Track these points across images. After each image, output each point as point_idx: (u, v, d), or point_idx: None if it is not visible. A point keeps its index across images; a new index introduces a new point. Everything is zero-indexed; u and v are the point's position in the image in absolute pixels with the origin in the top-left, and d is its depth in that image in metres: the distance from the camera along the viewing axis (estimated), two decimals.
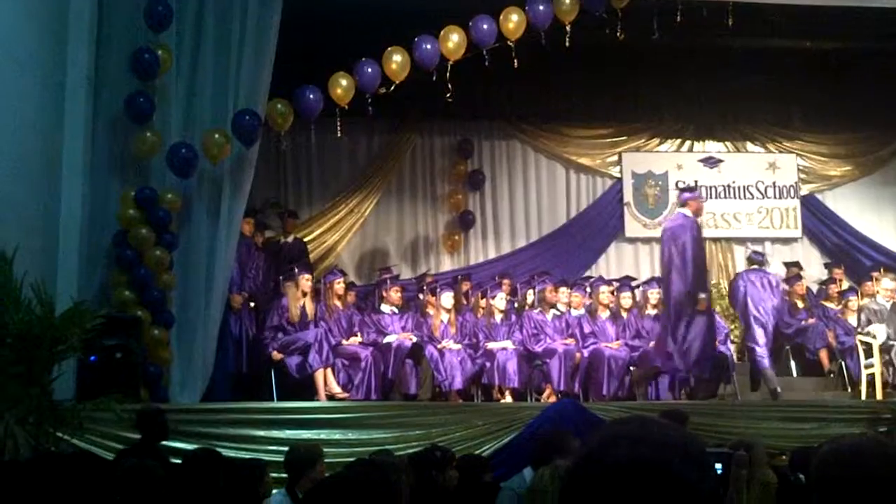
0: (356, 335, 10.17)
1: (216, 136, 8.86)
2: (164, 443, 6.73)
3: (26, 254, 6.55)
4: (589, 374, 10.44)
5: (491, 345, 10.47)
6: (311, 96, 9.24)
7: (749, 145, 14.08)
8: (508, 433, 8.31)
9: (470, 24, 9.47)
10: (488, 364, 10.25)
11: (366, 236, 13.25)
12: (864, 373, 10.66)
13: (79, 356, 7.25)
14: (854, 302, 11.70)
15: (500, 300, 10.91)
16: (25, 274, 6.22)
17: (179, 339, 8.90)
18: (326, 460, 5.78)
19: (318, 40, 10.24)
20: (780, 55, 12.20)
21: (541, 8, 9.52)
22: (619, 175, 13.78)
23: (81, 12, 8.63)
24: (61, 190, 8.40)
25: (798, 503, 5.38)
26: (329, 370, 9.61)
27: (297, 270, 10.19)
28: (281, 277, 10.56)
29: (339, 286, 10.50)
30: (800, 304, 11.97)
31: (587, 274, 12.86)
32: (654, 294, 11.23)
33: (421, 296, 11.18)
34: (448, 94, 9.45)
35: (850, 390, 10.99)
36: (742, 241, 13.57)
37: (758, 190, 13.83)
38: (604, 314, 11.15)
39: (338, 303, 10.47)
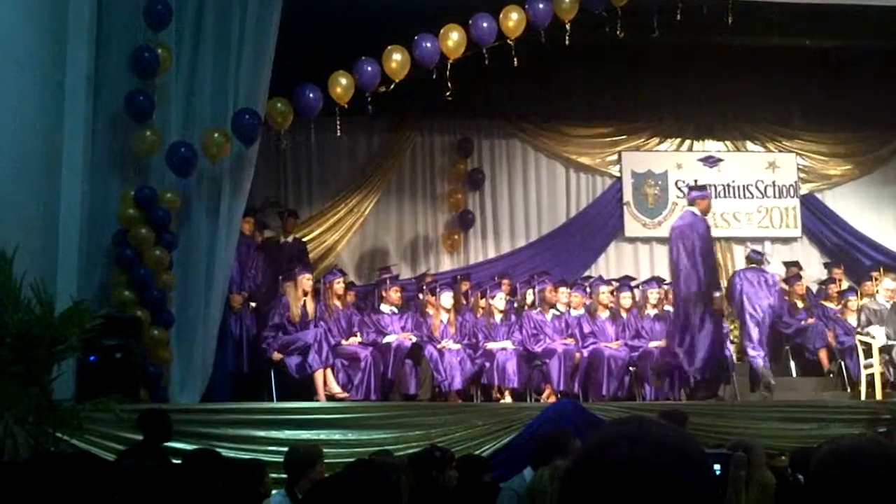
0: (356, 335, 10.17)
1: (216, 135, 8.86)
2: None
3: (26, 253, 6.55)
4: (588, 375, 10.44)
5: (490, 345, 10.47)
6: (311, 95, 9.23)
7: (749, 144, 14.08)
8: (508, 433, 8.30)
9: (470, 22, 9.48)
10: (488, 364, 10.25)
11: (365, 236, 13.25)
12: (864, 373, 10.66)
13: (78, 356, 7.25)
14: (853, 302, 11.71)
15: (499, 300, 10.91)
16: (25, 273, 6.22)
17: (179, 339, 8.90)
18: (326, 461, 5.77)
19: (317, 39, 10.23)
20: (780, 54, 12.19)
21: (541, 6, 9.52)
22: (618, 174, 13.78)
23: (81, 11, 8.62)
24: (61, 189, 8.40)
25: None
26: (329, 370, 9.61)
27: (297, 269, 10.19)
28: (280, 277, 10.56)
29: (338, 286, 10.50)
30: (799, 304, 11.97)
31: (587, 274, 12.86)
32: (654, 294, 11.24)
33: (420, 296, 11.18)
34: (448, 93, 9.45)
35: (849, 390, 11.00)
36: (742, 240, 13.56)
37: (757, 189, 13.83)
38: (603, 314, 11.15)
39: (337, 303, 10.47)
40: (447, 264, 13.29)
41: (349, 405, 9.13)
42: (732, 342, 11.47)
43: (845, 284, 12.40)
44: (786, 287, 12.20)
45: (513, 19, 9.49)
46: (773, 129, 14.04)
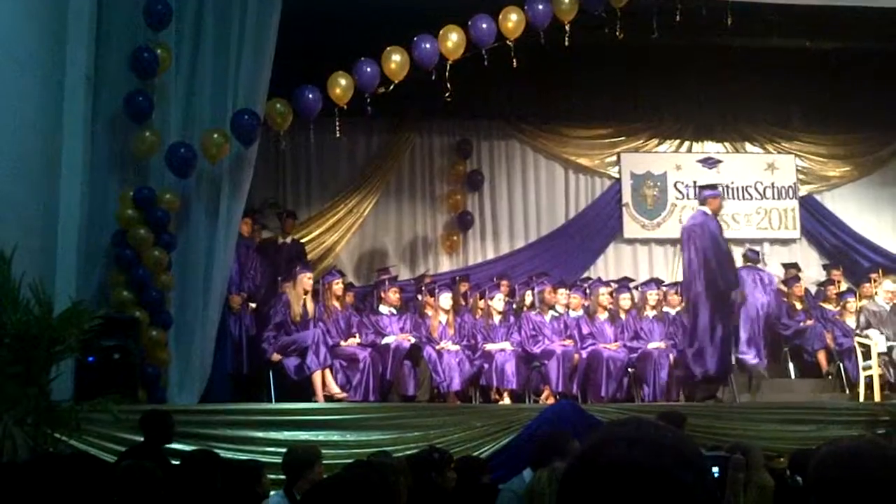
0: (354, 336, 10.17)
1: (215, 135, 8.86)
2: None
3: (25, 253, 6.54)
4: (587, 376, 10.45)
5: (489, 346, 10.47)
6: (310, 96, 9.23)
7: (748, 146, 14.08)
8: (507, 435, 8.30)
9: (469, 23, 9.47)
10: (486, 365, 10.25)
11: (364, 237, 13.25)
12: (862, 375, 10.65)
13: (77, 356, 7.25)
14: (852, 303, 11.71)
15: (498, 301, 10.91)
16: (24, 274, 6.22)
17: (178, 340, 8.89)
18: (325, 462, 5.78)
19: (317, 40, 10.23)
20: (780, 55, 12.19)
21: (540, 7, 9.52)
22: (617, 175, 13.78)
23: (81, 11, 8.62)
24: (60, 189, 8.39)
25: None
26: (328, 370, 9.60)
27: (298, 268, 10.20)
28: (280, 278, 10.56)
29: (337, 287, 10.49)
30: (798, 306, 11.97)
31: (585, 275, 12.85)
32: (653, 295, 11.26)
33: (419, 297, 11.18)
34: (447, 94, 9.44)
35: (848, 392, 10.99)
36: (741, 241, 13.55)
37: (756, 191, 13.83)
38: (602, 315, 11.15)
39: (336, 303, 10.46)
40: (446, 265, 13.28)
41: (348, 406, 9.12)
42: None
43: (844, 286, 12.40)
44: (784, 288, 12.21)
45: (512, 20, 9.49)
46: (772, 131, 14.05)
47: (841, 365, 11.22)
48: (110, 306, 8.40)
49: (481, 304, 11.08)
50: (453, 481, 6.01)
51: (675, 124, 13.89)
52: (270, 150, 10.94)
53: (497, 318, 10.84)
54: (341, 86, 9.28)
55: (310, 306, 10.04)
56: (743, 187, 13.78)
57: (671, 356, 10.43)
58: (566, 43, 9.63)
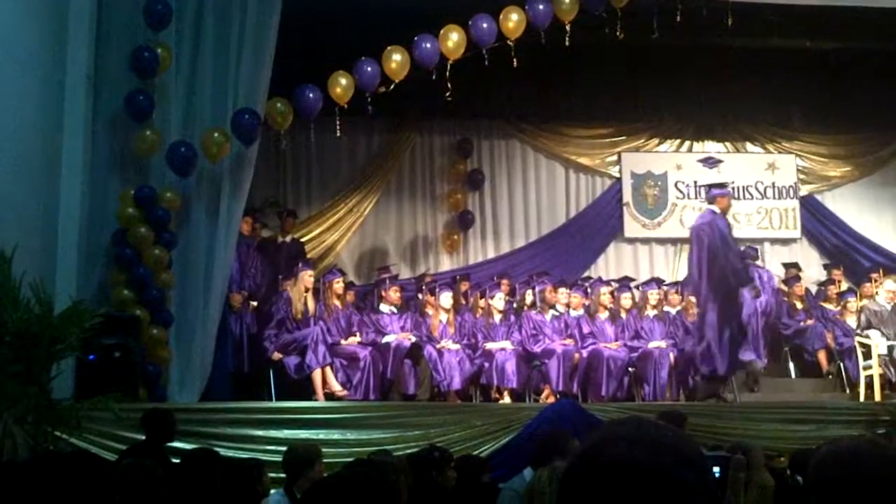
0: (355, 335, 10.17)
1: (215, 134, 8.86)
2: None
3: (25, 253, 6.55)
4: (588, 375, 10.44)
5: (490, 345, 10.47)
6: (311, 95, 9.23)
7: (748, 146, 14.08)
8: (507, 434, 8.31)
9: (470, 23, 9.47)
10: (487, 364, 10.25)
11: (365, 236, 13.25)
12: (863, 374, 10.65)
13: (77, 355, 7.25)
14: (853, 303, 11.70)
15: (498, 300, 10.91)
16: (24, 273, 6.22)
17: (178, 339, 8.89)
18: (325, 460, 5.77)
19: (317, 39, 10.24)
20: (780, 55, 12.19)
21: (540, 7, 9.52)
22: (618, 175, 13.78)
23: (81, 11, 8.63)
24: (60, 189, 8.40)
25: None
26: (329, 369, 9.61)
27: (300, 265, 10.20)
28: (280, 277, 10.56)
29: (338, 286, 10.49)
30: (798, 306, 11.97)
31: (586, 274, 12.86)
32: (654, 295, 11.25)
33: (420, 296, 11.18)
34: (448, 94, 9.44)
35: (848, 392, 10.99)
36: (741, 241, 13.53)
37: (757, 190, 13.83)
38: (602, 315, 11.15)
39: (337, 302, 10.46)
40: (446, 264, 13.29)
41: (348, 405, 9.13)
42: None
43: (844, 286, 12.40)
44: (785, 288, 12.21)
45: (513, 20, 9.49)
46: (772, 131, 14.05)
47: (841, 365, 11.22)
48: (111, 305, 8.41)
49: (482, 303, 11.08)
50: (453, 480, 6.02)
51: (676, 124, 13.89)
52: (271, 149, 10.94)
53: (497, 318, 10.84)
54: (342, 85, 9.28)
55: (311, 304, 10.05)
56: (743, 187, 13.78)
57: (672, 355, 10.43)
58: (567, 43, 9.63)
